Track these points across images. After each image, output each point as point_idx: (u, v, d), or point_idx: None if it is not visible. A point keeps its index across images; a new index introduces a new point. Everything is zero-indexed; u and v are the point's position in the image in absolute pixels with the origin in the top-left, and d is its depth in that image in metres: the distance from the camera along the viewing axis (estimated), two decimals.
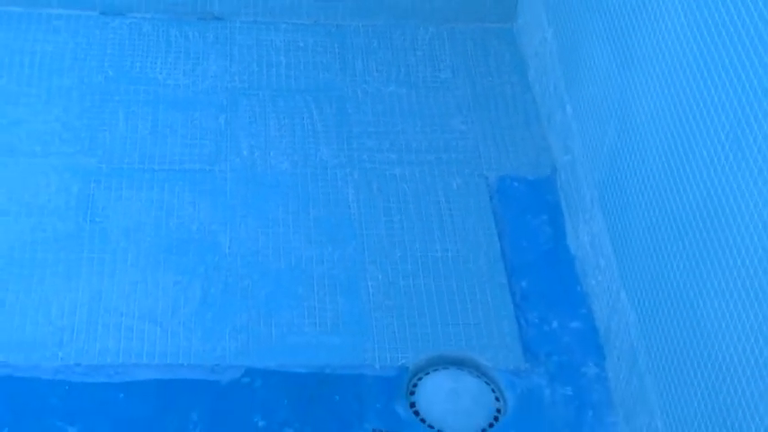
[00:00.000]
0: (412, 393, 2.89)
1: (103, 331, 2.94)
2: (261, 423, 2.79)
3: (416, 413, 2.85)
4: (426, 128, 3.51)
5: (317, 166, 3.38)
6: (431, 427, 2.82)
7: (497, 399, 2.90)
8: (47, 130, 3.42)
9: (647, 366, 2.70)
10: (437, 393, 2.89)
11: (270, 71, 3.63)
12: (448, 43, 3.77)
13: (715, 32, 2.35)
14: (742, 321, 2.23)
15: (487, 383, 2.92)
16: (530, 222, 3.29)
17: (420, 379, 2.92)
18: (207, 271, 3.10)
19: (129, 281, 3.06)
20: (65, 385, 2.83)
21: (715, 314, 2.35)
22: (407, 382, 2.90)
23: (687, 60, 2.48)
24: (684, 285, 2.50)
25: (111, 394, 2.82)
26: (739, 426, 2.24)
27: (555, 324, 3.05)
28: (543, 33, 3.55)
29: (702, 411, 2.41)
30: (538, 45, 3.60)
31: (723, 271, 2.31)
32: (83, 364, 2.87)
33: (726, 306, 2.30)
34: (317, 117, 3.51)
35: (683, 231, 2.50)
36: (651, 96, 2.69)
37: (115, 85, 3.56)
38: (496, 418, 2.86)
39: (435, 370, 2.94)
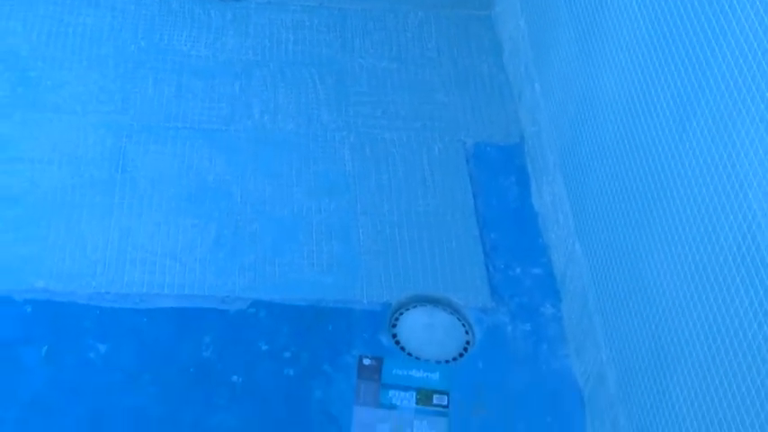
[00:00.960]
0: (394, 326, 2.91)
1: (131, 265, 2.96)
2: (264, 347, 2.82)
3: (397, 343, 2.87)
4: (413, 99, 3.51)
5: (318, 128, 3.38)
6: (409, 354, 2.85)
7: (467, 332, 2.92)
8: (86, 92, 3.41)
9: (595, 308, 2.73)
10: (415, 326, 2.91)
11: (279, 46, 3.63)
12: (434, 26, 3.77)
13: (664, 21, 2.35)
14: (677, 271, 2.25)
15: (459, 319, 2.95)
16: (500, 183, 3.30)
17: (401, 314, 2.94)
18: (220, 216, 3.11)
19: (154, 222, 3.07)
20: (97, 310, 2.85)
21: (655, 264, 2.37)
22: (390, 316, 2.92)
23: (640, 45, 2.49)
24: (630, 240, 2.52)
25: (136, 319, 2.85)
26: (672, 357, 2.26)
27: (518, 270, 3.07)
28: (517, 20, 3.54)
29: (641, 345, 2.43)
30: (512, 30, 3.60)
31: (663, 228, 2.33)
32: (112, 292, 2.89)
33: (664, 258, 2.32)
34: (319, 87, 3.51)
35: (632, 193, 2.52)
36: (608, 77, 2.70)
37: (146, 55, 3.55)
38: (466, 349, 2.88)
39: (414, 307, 2.96)
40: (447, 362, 2.84)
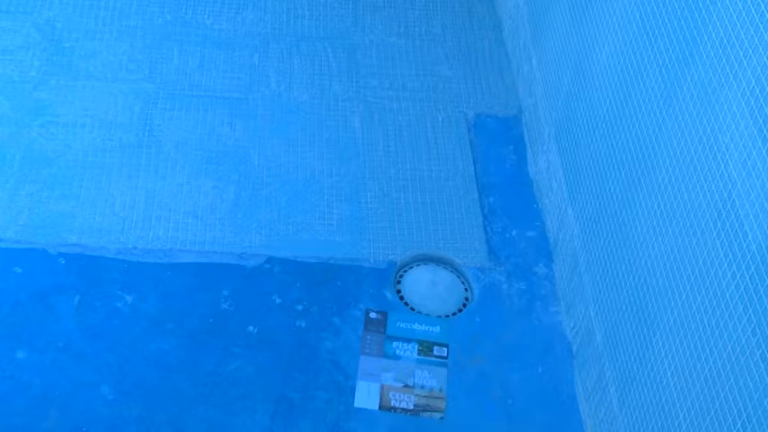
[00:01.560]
0: (398, 283, 2.91)
1: (156, 222, 2.96)
2: (278, 300, 2.82)
3: (401, 298, 2.87)
4: (419, 72, 3.50)
5: (330, 98, 3.37)
6: (412, 309, 2.85)
7: (466, 290, 2.92)
8: (116, 61, 3.40)
9: (585, 268, 2.73)
10: (418, 283, 2.91)
11: (296, 21, 3.62)
12: (439, 5, 3.76)
13: (653, 5, 2.34)
14: (661, 234, 2.25)
15: (458, 277, 2.94)
16: (498, 151, 3.29)
17: (405, 271, 2.94)
18: (239, 178, 3.10)
19: (177, 183, 3.07)
20: (124, 263, 2.86)
21: (641, 228, 2.37)
22: (395, 273, 2.92)
23: (630, 24, 2.48)
24: (619, 206, 2.51)
25: (160, 272, 2.85)
26: (654, 313, 2.26)
27: (514, 233, 3.06)
28: (516, 0, 3.52)
29: (626, 303, 2.43)
30: (512, 9, 3.58)
31: (649, 194, 2.33)
32: (139, 247, 2.90)
33: (649, 222, 2.32)
34: (332, 60, 3.50)
35: (621, 163, 2.51)
36: (600, 53, 2.69)
37: (172, 28, 3.54)
38: (464, 305, 2.89)
39: (417, 265, 2.96)
40: (447, 316, 2.84)
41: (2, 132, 3.12)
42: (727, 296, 1.94)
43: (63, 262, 2.83)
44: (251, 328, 2.75)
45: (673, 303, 2.17)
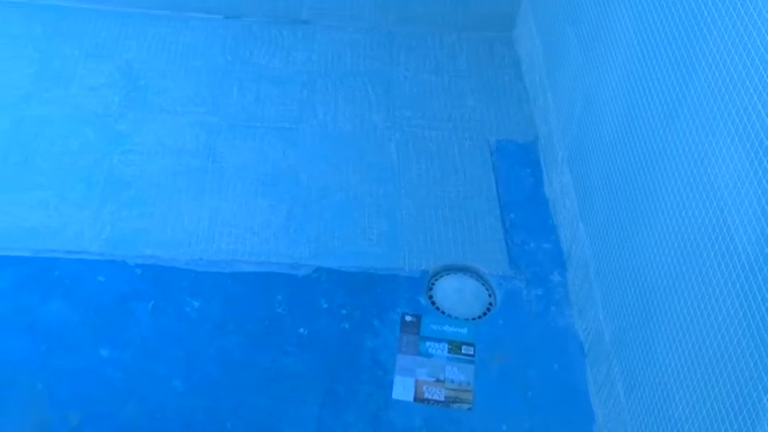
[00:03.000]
0: (430, 289, 2.91)
1: (219, 237, 2.98)
2: (325, 305, 2.83)
3: (433, 303, 2.88)
4: (448, 104, 3.51)
5: (370, 127, 3.38)
6: (443, 313, 2.85)
7: (490, 295, 2.92)
8: (184, 96, 3.43)
9: (595, 276, 2.72)
10: (448, 290, 2.92)
11: (339, 61, 3.64)
12: (465, 45, 3.76)
13: (653, 41, 2.34)
14: (662, 247, 2.25)
15: (483, 284, 2.95)
16: (518, 173, 3.29)
17: (436, 280, 2.94)
18: (291, 198, 3.12)
19: (237, 203, 3.09)
20: (192, 273, 2.88)
21: (644, 242, 2.36)
22: (427, 281, 2.92)
23: (632, 61, 2.48)
24: (625, 221, 2.51)
25: (222, 280, 2.87)
26: (656, 318, 2.26)
27: (532, 245, 3.06)
28: (533, 40, 3.53)
29: (631, 307, 2.43)
30: (529, 48, 3.59)
31: (651, 212, 2.32)
32: (204, 258, 2.92)
33: (652, 236, 2.31)
34: (371, 94, 3.52)
35: (626, 183, 2.51)
36: (606, 87, 2.69)
37: (231, 67, 3.57)
38: (489, 309, 2.89)
39: (447, 274, 2.96)
40: (473, 319, 2.84)
41: (88, 159, 3.16)
42: (721, 301, 1.94)
43: (139, 272, 2.86)
44: (301, 329, 2.76)
45: (673, 308, 2.17)
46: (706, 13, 2.05)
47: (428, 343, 2.75)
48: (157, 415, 2.54)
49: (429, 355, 2.73)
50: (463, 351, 2.74)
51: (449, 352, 2.74)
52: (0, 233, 2.91)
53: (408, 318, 2.81)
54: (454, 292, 2.90)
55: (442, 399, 2.64)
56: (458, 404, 2.63)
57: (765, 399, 1.75)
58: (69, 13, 3.67)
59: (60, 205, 3.01)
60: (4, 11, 3.65)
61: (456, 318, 2.83)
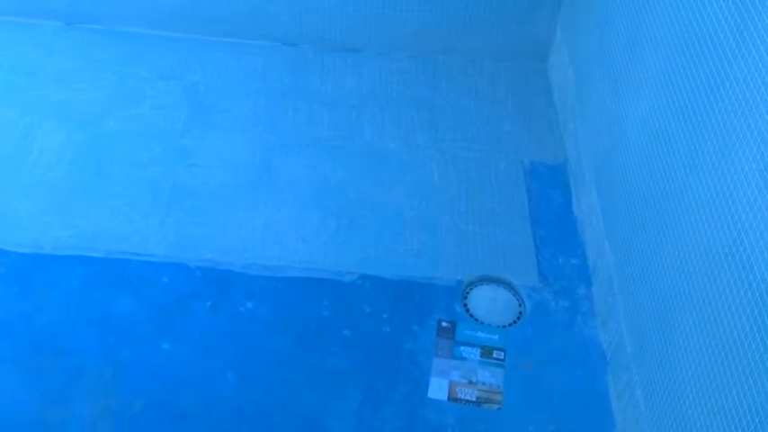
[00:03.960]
0: (465, 298, 2.91)
1: (272, 244, 3.00)
2: (368, 310, 2.84)
3: (468, 311, 2.88)
4: (485, 128, 3.50)
5: (413, 148, 3.39)
6: (476, 320, 2.85)
7: (520, 305, 2.91)
8: (243, 116, 3.46)
9: (618, 290, 2.71)
10: (481, 299, 2.91)
11: (386, 86, 3.65)
12: (503, 75, 3.76)
13: (677, 73, 2.33)
14: (682, 265, 2.23)
15: (514, 295, 2.94)
16: (548, 193, 3.28)
17: (471, 289, 2.94)
18: (339, 211, 3.13)
19: (289, 214, 3.11)
20: (246, 276, 2.90)
21: (665, 259, 2.35)
22: (463, 290, 2.93)
23: (658, 92, 2.47)
24: (647, 240, 2.50)
25: (274, 284, 2.89)
26: (674, 330, 2.24)
27: (561, 260, 3.05)
28: (565, 71, 3.53)
29: (651, 320, 2.41)
30: (561, 78, 3.58)
31: (673, 232, 2.31)
32: (258, 264, 2.94)
33: (672, 255, 2.30)
34: (415, 117, 3.52)
35: (649, 205, 2.50)
36: (632, 115, 2.68)
37: (287, 90, 3.59)
38: (519, 318, 2.88)
39: (481, 284, 2.96)
40: (504, 327, 2.84)
41: (155, 171, 3.21)
42: (737, 317, 1.92)
43: (199, 274, 2.89)
44: (346, 331, 2.77)
45: (691, 321, 2.15)
46: (729, 43, 2.05)
47: (462, 347, 2.75)
48: (211, 405, 2.56)
49: (463, 359, 2.73)
50: (494, 356, 2.74)
51: (481, 356, 2.74)
52: (77, 235, 2.97)
53: (444, 323, 2.81)
54: (487, 301, 2.90)
55: (474, 399, 2.64)
56: (488, 405, 2.63)
57: None
58: (143, 39, 3.73)
59: (130, 212, 3.06)
60: (85, 36, 3.71)
61: (488, 325, 2.83)
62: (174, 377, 2.62)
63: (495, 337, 2.79)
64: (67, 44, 3.67)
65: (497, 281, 2.96)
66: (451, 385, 2.66)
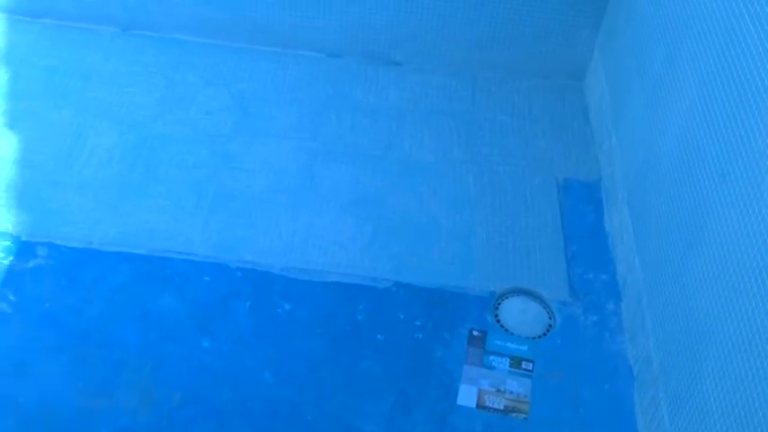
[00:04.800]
0: (496, 309, 2.90)
1: (311, 248, 3.01)
2: (401, 316, 2.84)
3: (498, 321, 2.86)
4: (521, 144, 3.49)
5: (450, 160, 3.38)
6: (506, 331, 2.84)
7: (550, 318, 2.90)
8: (288, 123, 3.48)
9: (647, 307, 2.69)
10: (512, 310, 2.90)
11: (427, 100, 3.64)
12: (541, 93, 3.74)
13: (713, 97, 2.32)
14: (711, 284, 2.21)
15: (544, 308, 2.93)
16: (581, 209, 3.26)
17: (502, 300, 2.93)
18: (377, 218, 3.13)
19: (329, 219, 3.12)
20: (285, 279, 2.91)
21: (694, 278, 2.33)
22: (494, 301, 2.92)
23: (693, 114, 2.45)
24: (677, 259, 2.48)
25: (312, 287, 2.90)
26: (702, 348, 2.22)
27: (591, 275, 3.02)
28: (601, 90, 3.51)
29: (679, 338, 2.39)
30: (597, 97, 3.57)
31: (703, 251, 2.29)
32: (297, 267, 2.95)
33: (702, 274, 2.28)
34: (453, 131, 3.51)
35: (681, 224, 2.48)
36: (667, 135, 2.66)
37: (331, 99, 3.60)
38: (548, 330, 2.86)
39: (512, 296, 2.95)
40: (534, 338, 2.83)
41: (201, 173, 3.23)
42: (765, 338, 1.90)
43: (240, 274, 2.91)
44: (379, 336, 2.78)
45: (719, 340, 2.13)
46: (765, 62, 2.03)
47: (492, 357, 2.75)
48: (248, 402, 2.58)
49: (492, 368, 2.72)
50: (523, 366, 2.73)
51: (510, 366, 2.73)
52: (123, 232, 3.00)
53: (475, 333, 2.80)
54: (518, 313, 2.89)
55: (502, 408, 2.63)
56: (515, 414, 2.62)
57: None
58: (193, 46, 3.76)
59: (175, 212, 3.08)
60: (139, 42, 3.76)
61: (518, 336, 2.82)
62: (213, 374, 2.63)
63: (525, 348, 2.78)
64: (122, 49, 3.71)
65: (528, 293, 2.95)
66: (480, 393, 2.65)
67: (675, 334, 2.42)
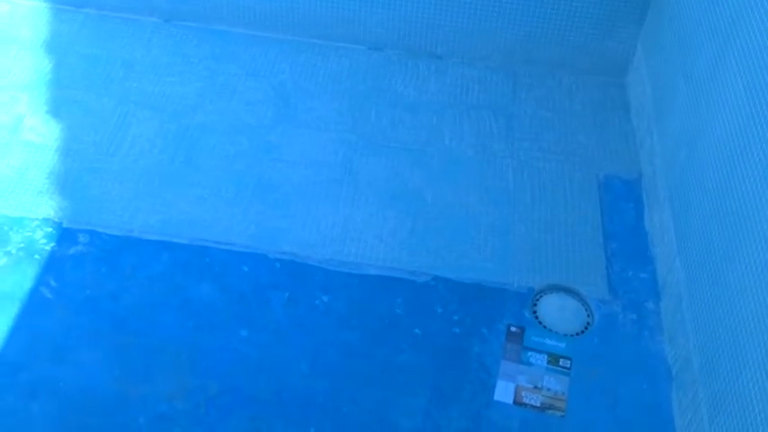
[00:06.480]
0: (535, 305, 2.87)
1: (349, 241, 3.01)
2: (439, 310, 2.83)
3: (536, 317, 2.84)
4: (561, 139, 3.45)
5: (490, 155, 3.36)
6: (545, 327, 2.82)
7: (588, 315, 2.87)
8: (328, 115, 3.47)
9: (687, 307, 2.65)
10: (551, 307, 2.88)
11: (467, 94, 3.62)
12: (581, 88, 3.70)
13: (761, 95, 2.27)
14: (755, 287, 2.18)
15: (583, 305, 2.90)
16: (621, 207, 3.21)
17: (541, 297, 2.91)
18: (415, 212, 3.12)
19: (368, 212, 3.11)
20: (323, 271, 2.91)
21: (737, 281, 2.30)
22: (533, 297, 2.89)
23: (739, 113, 2.41)
24: (720, 260, 2.44)
25: (350, 280, 2.89)
26: (744, 350, 2.19)
27: (630, 273, 2.99)
28: (644, 87, 3.47)
29: (720, 339, 2.36)
30: (639, 94, 3.52)
31: (746, 253, 2.26)
32: (335, 259, 2.94)
33: (745, 276, 2.25)
34: (493, 125, 3.49)
35: (724, 225, 2.44)
36: (711, 135, 2.62)
37: (371, 92, 3.59)
38: (586, 328, 2.84)
39: (551, 292, 2.92)
40: (572, 336, 2.80)
41: (241, 164, 3.24)
42: None
43: (278, 265, 2.91)
44: (416, 330, 2.77)
45: (762, 344, 2.09)
46: None
47: (529, 353, 2.73)
48: (283, 392, 2.58)
49: (530, 364, 2.70)
50: (560, 363, 2.71)
51: (548, 363, 2.71)
52: (163, 221, 3.02)
53: (513, 328, 2.78)
54: (556, 310, 2.86)
55: (539, 405, 2.61)
56: (552, 411, 2.60)
57: None
58: (235, 37, 3.77)
59: (215, 201, 3.09)
60: (180, 33, 3.77)
61: (556, 333, 2.80)
62: (249, 363, 2.64)
63: (563, 345, 2.76)
64: (164, 40, 3.73)
65: (567, 290, 2.92)
66: (518, 389, 2.63)
67: (717, 336, 2.39)
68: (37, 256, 2.87)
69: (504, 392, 2.62)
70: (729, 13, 2.60)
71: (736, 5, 2.55)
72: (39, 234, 2.93)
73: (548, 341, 2.76)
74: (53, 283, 2.80)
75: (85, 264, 2.87)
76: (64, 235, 2.94)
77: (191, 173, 3.19)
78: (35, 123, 3.32)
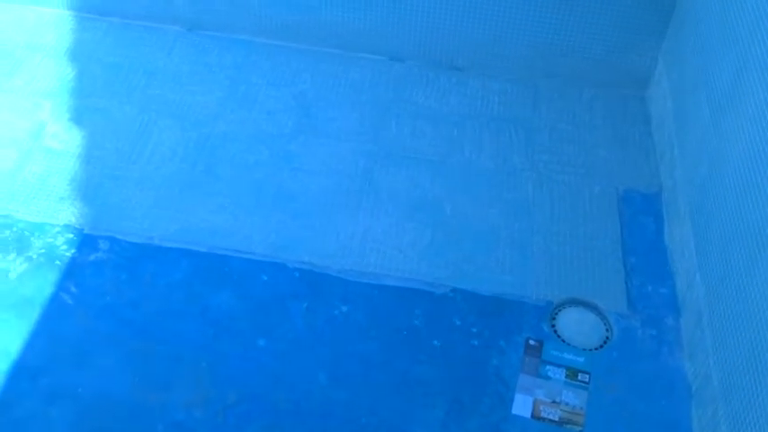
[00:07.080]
0: (553, 318, 2.87)
1: (369, 252, 3.01)
2: (458, 322, 2.82)
3: (555, 331, 2.83)
4: (581, 153, 3.45)
5: (510, 167, 3.36)
6: (563, 341, 2.81)
7: (607, 330, 2.86)
8: (348, 126, 3.48)
9: (707, 324, 2.64)
10: (569, 321, 2.87)
11: (488, 106, 3.62)
12: (601, 101, 3.69)
13: None
14: None
15: (602, 320, 2.88)
16: (641, 221, 3.20)
17: (559, 311, 2.90)
18: (435, 224, 3.12)
19: (388, 223, 3.11)
20: (342, 281, 2.91)
21: (759, 298, 2.28)
22: (551, 311, 2.88)
23: (760, 126, 2.40)
24: (741, 278, 2.43)
25: (369, 290, 2.89)
26: (765, 367, 2.18)
27: (650, 288, 2.97)
28: (665, 101, 3.46)
29: (741, 357, 2.34)
30: (660, 107, 3.51)
31: (767, 273, 2.24)
32: (354, 270, 2.94)
33: (763, 295, 2.24)
34: (513, 137, 3.48)
35: (746, 243, 2.43)
36: (733, 150, 2.61)
37: (393, 103, 3.59)
38: (605, 342, 2.82)
39: (570, 306, 2.91)
40: (590, 350, 2.79)
41: (261, 173, 3.25)
42: None
43: (297, 275, 2.91)
44: (435, 341, 2.76)
45: None
46: None
47: (548, 367, 2.72)
48: (301, 402, 2.58)
49: (548, 378, 2.69)
50: (579, 378, 2.70)
51: (566, 377, 2.70)
52: (183, 229, 3.03)
53: (532, 342, 2.78)
54: (575, 323, 2.85)
55: (557, 419, 2.60)
56: (570, 425, 2.59)
57: None
58: (256, 47, 3.79)
59: (235, 210, 3.10)
60: (202, 42, 3.79)
61: (575, 347, 2.79)
62: (268, 373, 2.64)
63: (581, 359, 2.75)
64: (186, 48, 3.75)
65: (586, 304, 2.91)
66: (536, 403, 2.62)
67: (738, 353, 2.37)
68: (58, 262, 2.88)
69: (522, 406, 2.61)
70: (749, 26, 2.59)
71: (755, 18, 2.54)
72: (60, 240, 2.95)
73: (566, 355, 2.75)
74: (73, 288, 2.82)
75: (105, 270, 2.88)
76: (84, 241, 2.96)
77: (211, 181, 3.20)
78: (57, 130, 3.34)
